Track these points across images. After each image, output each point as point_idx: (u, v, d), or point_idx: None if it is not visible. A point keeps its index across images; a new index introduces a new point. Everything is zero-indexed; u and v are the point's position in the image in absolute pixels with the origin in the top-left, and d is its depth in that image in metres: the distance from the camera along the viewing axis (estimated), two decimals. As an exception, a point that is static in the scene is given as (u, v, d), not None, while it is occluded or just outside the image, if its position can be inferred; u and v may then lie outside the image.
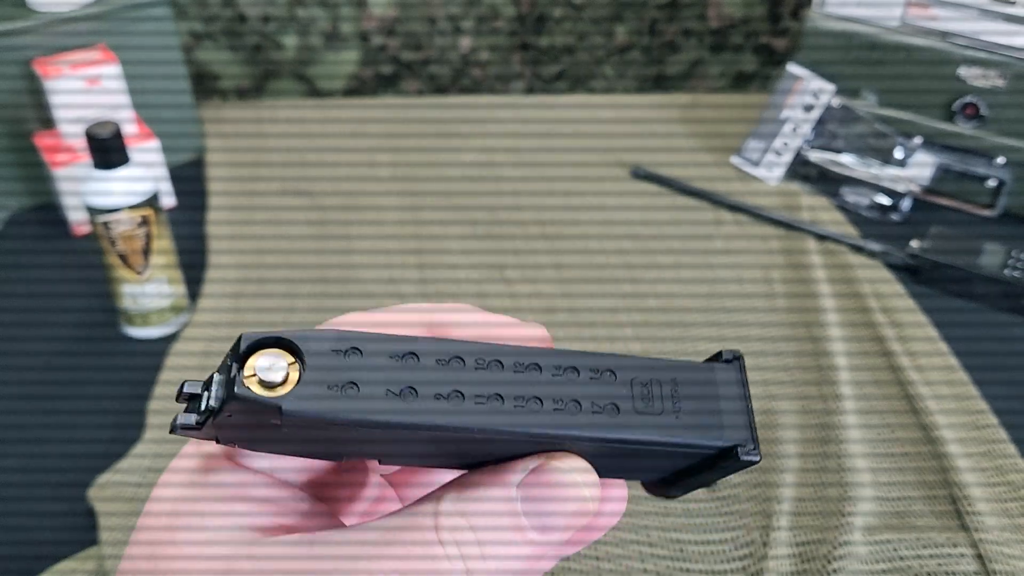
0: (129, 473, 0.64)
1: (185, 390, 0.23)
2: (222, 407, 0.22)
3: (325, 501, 0.27)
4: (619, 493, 0.27)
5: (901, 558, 0.58)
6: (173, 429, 0.23)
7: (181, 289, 0.77)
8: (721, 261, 0.87)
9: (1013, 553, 0.58)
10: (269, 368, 0.21)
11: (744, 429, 0.24)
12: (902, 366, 0.73)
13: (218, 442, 0.23)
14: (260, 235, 0.91)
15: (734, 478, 0.64)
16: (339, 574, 0.22)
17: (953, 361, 0.74)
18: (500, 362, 0.23)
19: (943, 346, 0.76)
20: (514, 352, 0.24)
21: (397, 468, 0.30)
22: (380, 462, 0.27)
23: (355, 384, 0.22)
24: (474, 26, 1.17)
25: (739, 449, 0.24)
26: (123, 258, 0.72)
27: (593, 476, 0.24)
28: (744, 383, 0.25)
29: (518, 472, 0.23)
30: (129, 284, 0.73)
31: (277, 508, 0.24)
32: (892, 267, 0.85)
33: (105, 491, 0.62)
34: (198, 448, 0.25)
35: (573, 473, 0.23)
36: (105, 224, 0.70)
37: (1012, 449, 0.66)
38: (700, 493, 0.63)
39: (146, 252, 0.72)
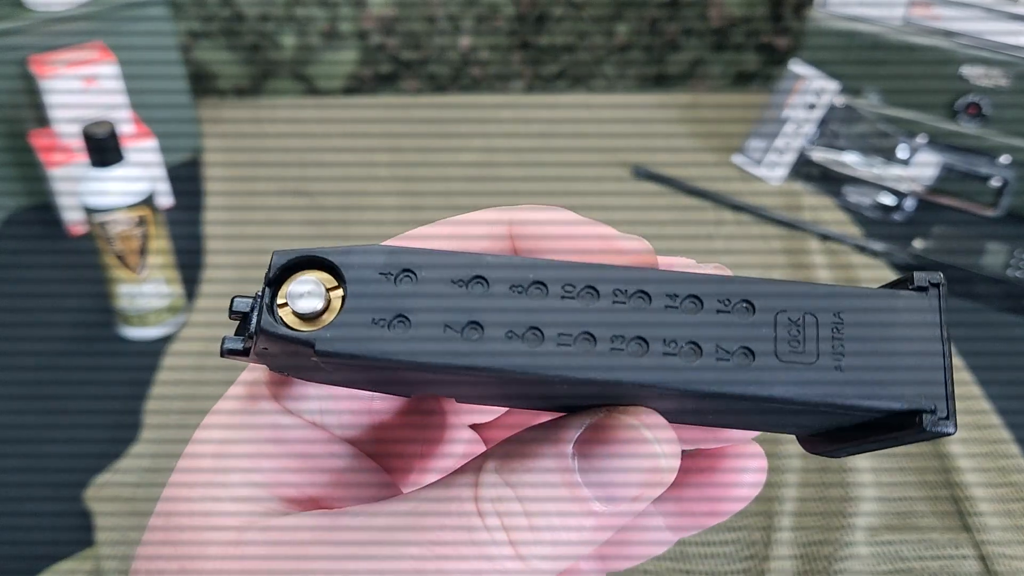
0: (126, 474, 0.63)
1: (235, 308, 0.19)
2: (255, 339, 0.19)
3: (389, 458, 0.23)
4: (759, 463, 0.23)
5: (903, 559, 0.58)
6: (222, 353, 0.19)
7: (178, 289, 0.77)
8: (723, 261, 0.86)
9: (1015, 554, 0.58)
10: (303, 296, 0.18)
11: (936, 386, 0.18)
12: (905, 366, 0.72)
13: (271, 368, 0.20)
14: (258, 235, 0.90)
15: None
16: (360, 560, 0.18)
17: (956, 361, 0.74)
18: (594, 288, 0.18)
19: (946, 346, 0.75)
20: (614, 274, 0.18)
21: (489, 414, 0.25)
22: (457, 400, 0.22)
23: (406, 317, 0.18)
24: (473, 25, 1.16)
25: (925, 416, 0.17)
26: (120, 258, 0.72)
27: (670, 433, 0.19)
28: (942, 322, 0.18)
29: (574, 428, 0.19)
30: (126, 284, 0.73)
31: (314, 470, 0.21)
32: (895, 267, 0.84)
33: (102, 492, 0.62)
34: (249, 379, 0.22)
35: (643, 429, 0.19)
36: (102, 224, 0.70)
37: (1015, 450, 0.66)
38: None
39: (143, 252, 0.72)
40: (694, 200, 0.95)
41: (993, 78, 0.89)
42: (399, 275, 0.18)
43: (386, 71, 1.19)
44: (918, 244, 0.84)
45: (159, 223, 0.72)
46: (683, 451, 0.21)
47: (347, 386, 0.21)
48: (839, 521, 0.60)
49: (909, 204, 0.92)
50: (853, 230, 0.90)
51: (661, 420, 0.19)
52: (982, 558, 0.58)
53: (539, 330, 0.18)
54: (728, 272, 0.20)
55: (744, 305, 0.18)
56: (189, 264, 0.82)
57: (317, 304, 0.18)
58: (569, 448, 0.19)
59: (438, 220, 0.21)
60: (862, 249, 0.86)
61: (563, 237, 0.20)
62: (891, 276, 0.83)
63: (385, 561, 0.18)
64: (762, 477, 0.23)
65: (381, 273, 0.18)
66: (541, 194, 0.96)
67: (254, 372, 0.22)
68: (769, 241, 0.89)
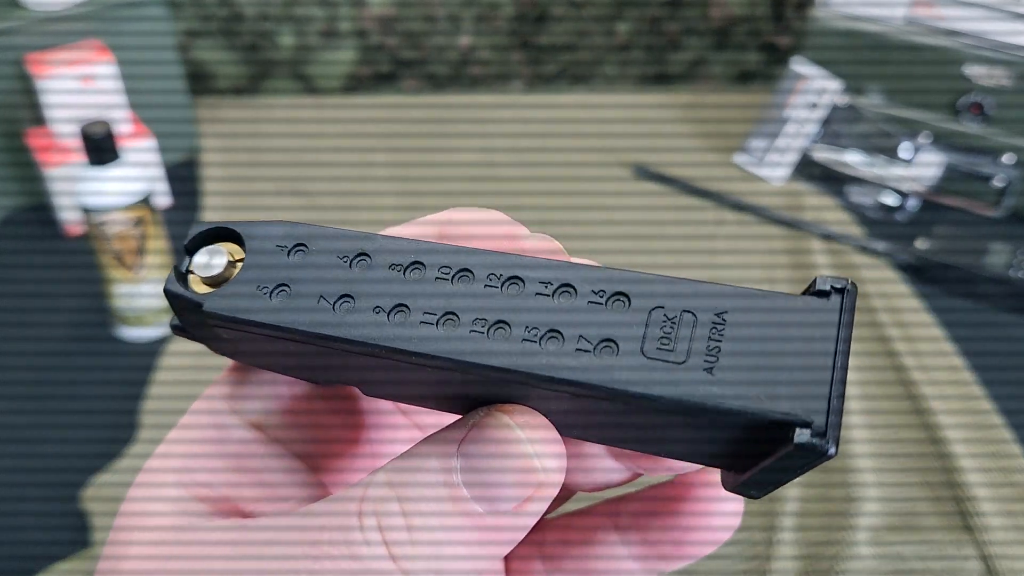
0: (123, 475, 0.63)
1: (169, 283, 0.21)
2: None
3: (325, 459, 0.23)
4: (733, 507, 0.22)
5: (905, 560, 0.58)
6: (172, 329, 0.21)
7: (176, 289, 0.76)
8: (724, 261, 0.86)
9: (1018, 555, 0.58)
10: (205, 265, 0.19)
11: (818, 400, 0.15)
12: (907, 366, 0.72)
13: (211, 348, 0.21)
14: (257, 235, 0.90)
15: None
16: (262, 571, 0.18)
17: (958, 361, 0.74)
18: (470, 271, 0.18)
19: (948, 346, 0.75)
20: (494, 260, 0.18)
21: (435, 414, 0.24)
22: (364, 392, 0.22)
23: (286, 285, 0.19)
24: (473, 24, 1.16)
25: (797, 431, 0.15)
26: (117, 258, 0.71)
27: (549, 435, 0.18)
28: (842, 334, 0.16)
29: (462, 428, 0.18)
30: (123, 284, 0.73)
31: (244, 473, 0.21)
32: (897, 267, 0.84)
33: (100, 493, 0.62)
34: (212, 392, 0.22)
35: (515, 428, 0.18)
36: (99, 224, 0.69)
37: (1017, 450, 0.66)
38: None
39: (141, 252, 0.72)
40: (695, 200, 0.94)
41: (996, 78, 0.89)
42: (293, 248, 0.19)
43: (385, 70, 1.18)
44: (921, 244, 0.84)
45: (157, 223, 0.72)
46: (641, 476, 0.21)
47: (265, 367, 0.22)
48: (841, 522, 0.60)
49: (912, 204, 0.92)
50: (855, 230, 0.90)
51: (541, 420, 0.18)
52: (984, 559, 0.58)
53: (406, 307, 0.18)
54: (559, 247, 0.20)
55: (619, 298, 0.17)
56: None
57: (215, 270, 0.19)
58: (454, 449, 0.18)
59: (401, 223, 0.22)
60: (864, 249, 0.86)
61: (481, 237, 0.20)
62: (893, 276, 0.83)
63: (274, 571, 0.18)
64: (735, 521, 0.22)
65: (278, 246, 0.19)
66: (541, 194, 0.95)
67: (215, 384, 0.22)
68: (771, 241, 0.88)
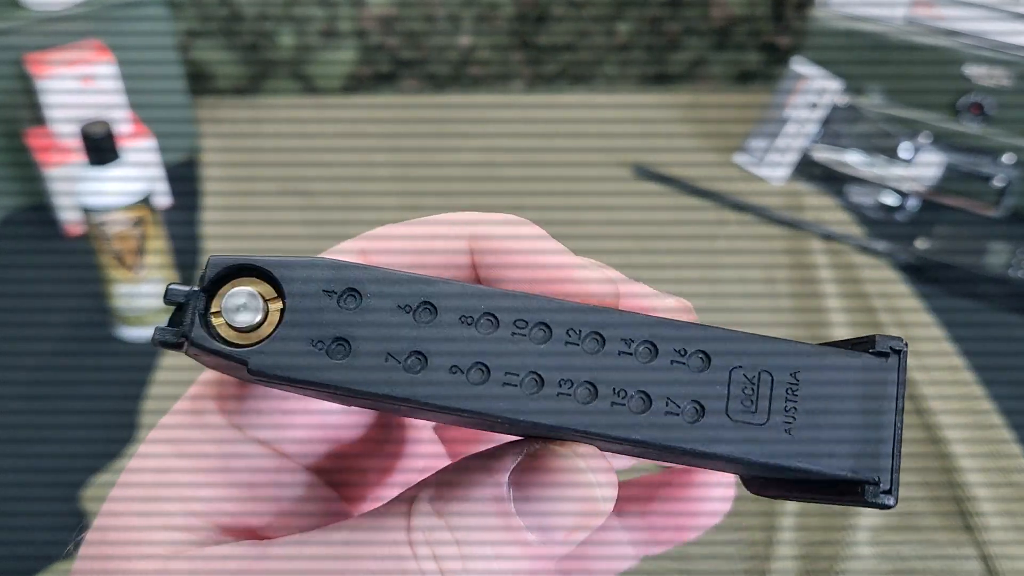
0: (122, 476, 0.63)
1: (170, 296, 0.18)
2: (185, 344, 0.17)
3: (344, 475, 0.22)
4: (724, 492, 0.23)
5: (905, 559, 0.58)
6: (153, 342, 0.18)
7: (176, 289, 0.76)
8: (724, 261, 0.86)
9: (1017, 555, 0.58)
10: (239, 309, 0.17)
11: (884, 459, 0.18)
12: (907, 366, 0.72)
13: (207, 365, 0.19)
14: (256, 235, 0.90)
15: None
16: None
17: (958, 361, 0.73)
18: (547, 325, 0.17)
19: (948, 346, 0.75)
20: (569, 312, 0.17)
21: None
22: (397, 415, 0.21)
23: (346, 341, 0.17)
24: (473, 24, 1.16)
25: (867, 488, 0.17)
26: (117, 258, 0.71)
27: (606, 465, 0.18)
28: (900, 393, 0.18)
29: (510, 459, 0.18)
30: (123, 284, 0.73)
31: (259, 498, 0.20)
32: (897, 267, 0.84)
33: (99, 493, 0.62)
34: (195, 392, 0.21)
35: (578, 461, 0.18)
36: (99, 224, 0.69)
37: (1017, 450, 0.66)
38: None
39: (141, 252, 0.72)
40: (695, 200, 0.94)
41: (996, 78, 0.89)
42: (343, 294, 0.17)
43: (385, 70, 1.18)
44: (920, 244, 0.84)
45: (157, 223, 0.72)
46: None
47: (291, 391, 0.20)
48: (841, 521, 0.60)
49: (912, 204, 0.92)
50: (855, 230, 0.90)
51: (596, 451, 0.18)
52: (984, 558, 0.58)
53: (485, 366, 0.17)
54: (689, 307, 0.19)
55: (700, 356, 0.18)
56: (187, 264, 0.82)
57: (253, 318, 0.17)
58: (504, 478, 0.18)
59: (403, 221, 0.21)
60: (864, 249, 0.86)
61: (524, 252, 0.19)
62: (893, 276, 0.83)
63: None
64: (730, 496, 0.23)
65: (324, 290, 0.17)
66: (541, 194, 0.95)
67: (201, 386, 0.21)
68: (771, 241, 0.88)
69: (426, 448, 0.24)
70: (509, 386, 0.17)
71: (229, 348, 0.17)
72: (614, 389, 0.17)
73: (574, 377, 0.17)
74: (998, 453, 0.65)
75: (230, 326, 0.17)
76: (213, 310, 0.17)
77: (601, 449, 0.18)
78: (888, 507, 0.17)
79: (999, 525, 0.60)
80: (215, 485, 0.20)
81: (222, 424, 0.20)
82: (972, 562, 0.57)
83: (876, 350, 0.18)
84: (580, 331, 0.17)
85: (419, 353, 0.17)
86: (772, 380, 0.18)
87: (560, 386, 0.17)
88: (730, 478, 0.23)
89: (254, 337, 0.17)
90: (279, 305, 0.17)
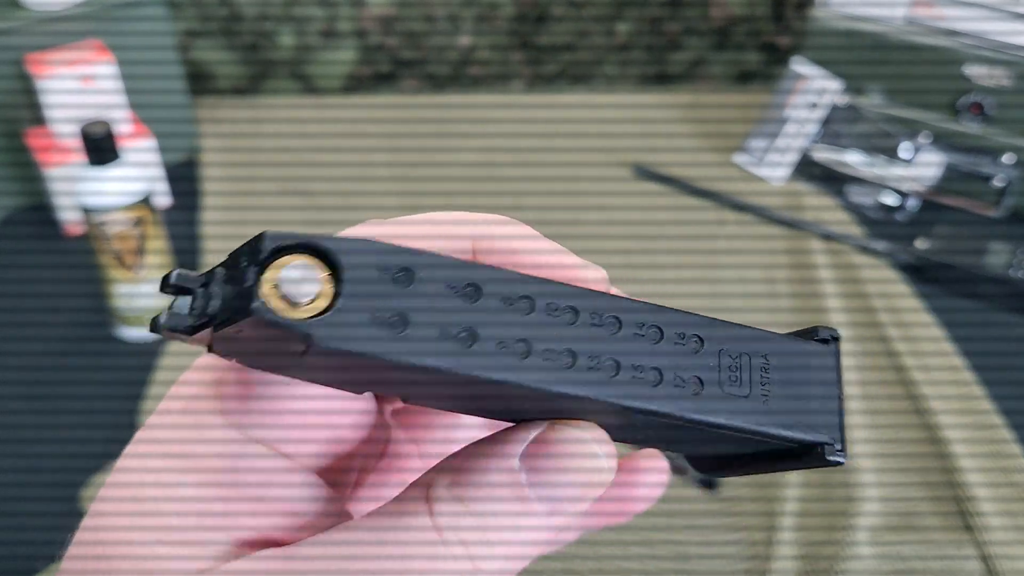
0: (122, 476, 0.63)
1: (174, 281, 0.18)
2: (229, 320, 0.17)
3: (339, 475, 0.23)
4: (659, 467, 0.24)
5: (905, 560, 0.58)
6: (155, 328, 0.18)
7: (176, 289, 0.76)
8: (724, 261, 0.86)
9: (1018, 555, 0.58)
10: (299, 281, 0.17)
11: (834, 426, 0.21)
12: (907, 366, 0.72)
13: (210, 351, 0.19)
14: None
15: (738, 480, 0.63)
16: None
17: (958, 361, 0.73)
18: (575, 309, 0.19)
19: (948, 346, 0.75)
20: (591, 299, 0.20)
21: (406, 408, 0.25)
22: (405, 401, 0.22)
23: (405, 318, 0.17)
24: (473, 24, 1.16)
25: (825, 447, 0.21)
26: (117, 258, 0.71)
27: (609, 443, 0.20)
28: (839, 370, 0.22)
29: (519, 441, 0.20)
30: (123, 284, 0.73)
31: (272, 511, 0.20)
32: (897, 267, 0.84)
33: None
34: (186, 393, 0.21)
35: (584, 434, 0.20)
36: (99, 224, 0.69)
37: (1018, 450, 0.66)
38: (701, 495, 0.62)
39: (140, 252, 0.72)
40: (695, 200, 0.94)
41: (996, 78, 0.89)
42: (398, 272, 0.18)
43: (385, 70, 1.18)
44: (921, 244, 0.84)
45: (156, 223, 0.72)
46: None
47: (298, 378, 0.20)
48: (841, 522, 0.59)
49: (912, 204, 0.92)
50: (855, 230, 0.90)
51: (602, 432, 0.20)
52: (984, 559, 0.58)
53: (528, 343, 0.19)
54: (606, 277, 0.22)
55: (696, 339, 0.20)
56: (187, 264, 0.82)
57: (313, 289, 0.17)
58: (516, 462, 0.19)
59: (397, 218, 0.22)
60: (864, 249, 0.86)
61: (526, 253, 0.21)
62: (893, 276, 0.83)
63: None
64: (663, 479, 0.25)
65: (379, 268, 0.18)
66: (541, 194, 0.95)
67: (194, 386, 0.21)
68: (771, 241, 0.88)
69: (406, 447, 0.25)
70: (548, 361, 0.19)
71: (292, 322, 0.17)
72: (634, 366, 0.20)
73: (602, 352, 0.19)
74: (998, 453, 0.65)
75: (284, 298, 0.17)
76: (265, 285, 0.17)
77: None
78: (840, 463, 0.21)
79: (999, 525, 0.60)
80: (229, 499, 0.20)
81: (221, 425, 0.20)
82: (972, 562, 0.57)
83: (819, 337, 0.22)
84: (603, 315, 0.20)
85: (471, 329, 0.18)
86: (750, 361, 0.21)
87: (590, 360, 0.19)
88: (664, 464, 0.25)
89: (302, 312, 0.17)
90: (331, 284, 0.17)
